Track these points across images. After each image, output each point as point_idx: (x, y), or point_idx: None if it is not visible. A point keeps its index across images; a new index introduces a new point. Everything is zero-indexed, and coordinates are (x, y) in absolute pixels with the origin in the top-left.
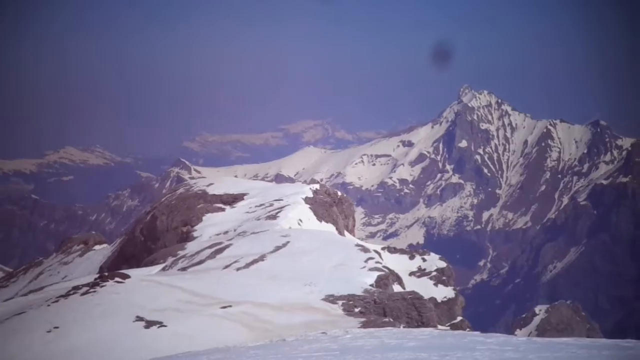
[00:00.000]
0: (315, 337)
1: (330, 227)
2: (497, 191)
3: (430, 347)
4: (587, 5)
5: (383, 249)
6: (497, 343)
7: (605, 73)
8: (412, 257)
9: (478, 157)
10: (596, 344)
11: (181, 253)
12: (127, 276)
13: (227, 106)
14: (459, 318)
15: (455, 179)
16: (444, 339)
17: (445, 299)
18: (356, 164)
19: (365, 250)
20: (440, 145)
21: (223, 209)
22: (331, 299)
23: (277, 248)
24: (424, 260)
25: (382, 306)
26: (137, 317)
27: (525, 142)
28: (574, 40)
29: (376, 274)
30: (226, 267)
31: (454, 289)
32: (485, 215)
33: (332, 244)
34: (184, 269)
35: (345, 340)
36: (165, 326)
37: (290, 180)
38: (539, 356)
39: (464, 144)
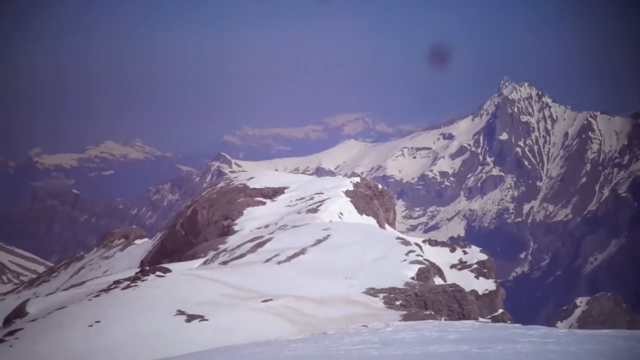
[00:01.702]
0: (356, 330)
1: (371, 220)
2: (538, 183)
3: (471, 340)
4: None
5: (424, 241)
6: (538, 335)
7: None
8: (453, 250)
9: (519, 149)
10: (637, 335)
11: (222, 247)
12: (168, 270)
13: (268, 100)
14: (500, 310)
15: (495, 171)
16: (485, 332)
17: (486, 292)
18: (397, 157)
19: (406, 243)
20: (481, 137)
21: (264, 203)
22: (372, 292)
23: (318, 241)
24: (465, 252)
25: (423, 299)
26: (178, 311)
27: (566, 134)
28: (614, 31)
29: (417, 266)
30: (267, 260)
31: (495, 282)
32: (526, 207)
33: (373, 237)
34: (224, 262)
35: (386, 333)
36: (206, 320)
37: (331, 173)
38: (580, 348)
39: (504, 136)
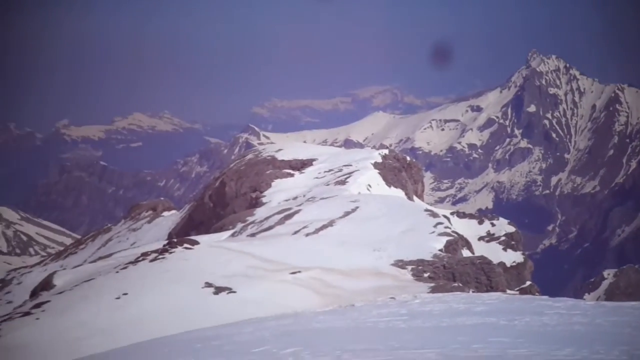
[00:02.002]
0: (384, 303)
1: (399, 192)
2: (566, 156)
3: (498, 312)
4: None
5: (452, 213)
6: (565, 307)
7: None
8: (481, 222)
9: (546, 121)
10: None
11: (250, 219)
12: (196, 242)
13: (296, 72)
14: (528, 283)
15: (523, 143)
16: (512, 304)
17: (514, 264)
18: (425, 129)
19: (434, 215)
20: (509, 110)
21: (292, 175)
22: (400, 264)
23: (346, 213)
24: (493, 225)
25: (451, 271)
26: (206, 283)
27: (594, 106)
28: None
29: (445, 239)
30: (295, 232)
31: (522, 254)
32: (554, 180)
33: (401, 209)
34: (253, 235)
35: (413, 305)
36: (234, 292)
37: (359, 145)
38: (607, 320)
39: (532, 108)
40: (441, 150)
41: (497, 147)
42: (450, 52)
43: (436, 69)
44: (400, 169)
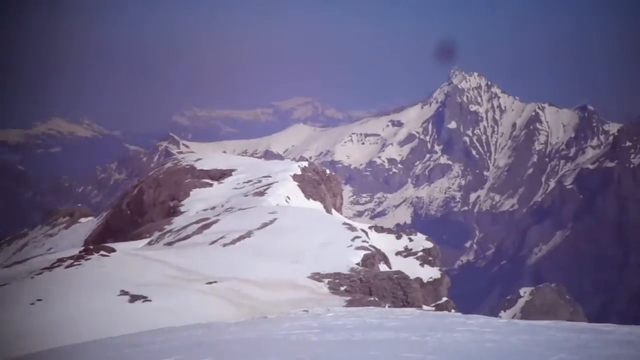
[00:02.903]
0: (297, 315)
1: (317, 205)
2: (485, 173)
3: (411, 327)
4: None
5: (370, 227)
6: (477, 324)
7: (593, 58)
8: (399, 237)
9: (467, 138)
10: (576, 327)
11: (168, 228)
12: (112, 250)
13: (218, 81)
14: (444, 299)
15: (443, 159)
16: (426, 320)
17: (431, 279)
18: (345, 142)
19: (352, 228)
20: (430, 125)
21: (211, 185)
22: (317, 277)
23: (264, 225)
24: (411, 240)
25: (368, 285)
26: (122, 291)
27: (514, 124)
28: (562, 25)
29: (362, 252)
30: (212, 242)
31: (439, 270)
32: (473, 196)
33: (319, 222)
34: (170, 243)
35: (327, 318)
36: (150, 301)
37: (279, 157)
38: (519, 338)
39: (453, 125)
40: (361, 164)
41: (417, 163)
42: (375, 65)
43: (358, 81)
44: (320, 182)
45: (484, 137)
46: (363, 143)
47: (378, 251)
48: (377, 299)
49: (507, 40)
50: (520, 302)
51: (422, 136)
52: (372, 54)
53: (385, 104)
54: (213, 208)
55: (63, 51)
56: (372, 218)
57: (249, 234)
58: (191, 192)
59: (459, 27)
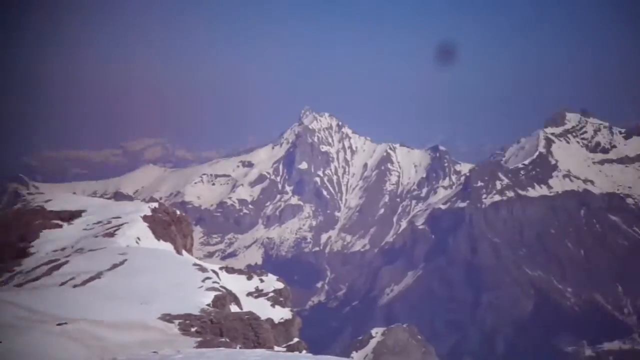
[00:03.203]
0: (147, 356)
1: (168, 246)
2: (336, 213)
3: None
4: (428, 28)
5: (221, 268)
6: None
7: (445, 98)
8: (249, 278)
9: (318, 179)
10: None
11: (17, 269)
12: None
13: (67, 122)
14: (296, 339)
15: (294, 200)
16: None
17: (282, 320)
18: (196, 183)
19: (203, 269)
20: (281, 166)
21: (60, 226)
22: (168, 318)
23: (114, 266)
24: (262, 281)
25: (219, 326)
26: None
27: (365, 165)
28: (417, 65)
29: (213, 293)
30: (62, 284)
31: (291, 310)
32: (324, 237)
33: (170, 263)
34: (20, 285)
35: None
36: None
37: (130, 198)
38: None
39: (304, 165)
40: (211, 205)
41: (268, 203)
42: (225, 104)
43: (208, 121)
44: (170, 223)
45: (335, 178)
46: (213, 184)
47: (229, 292)
48: (228, 340)
49: (358, 79)
50: (372, 343)
51: (272, 177)
52: (222, 92)
53: (236, 144)
54: (63, 249)
55: None
56: (223, 259)
57: (99, 275)
58: (41, 234)
59: (310, 65)
